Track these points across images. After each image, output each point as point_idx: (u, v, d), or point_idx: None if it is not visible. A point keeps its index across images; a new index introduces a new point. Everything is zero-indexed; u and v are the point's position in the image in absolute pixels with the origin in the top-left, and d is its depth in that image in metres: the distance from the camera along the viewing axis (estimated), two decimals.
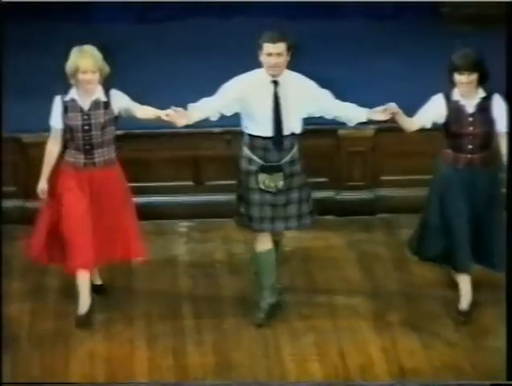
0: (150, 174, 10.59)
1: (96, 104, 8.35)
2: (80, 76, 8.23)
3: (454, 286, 9.07)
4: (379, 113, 8.48)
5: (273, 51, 8.19)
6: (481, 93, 8.39)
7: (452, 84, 8.36)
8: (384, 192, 10.71)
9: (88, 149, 8.40)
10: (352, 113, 8.56)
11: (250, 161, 8.46)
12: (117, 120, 8.46)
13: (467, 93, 8.35)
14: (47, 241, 8.68)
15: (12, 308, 9.33)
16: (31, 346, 8.85)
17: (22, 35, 12.41)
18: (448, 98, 8.39)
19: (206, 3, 12.84)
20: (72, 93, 8.36)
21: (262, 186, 8.42)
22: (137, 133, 10.42)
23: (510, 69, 8.46)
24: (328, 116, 8.61)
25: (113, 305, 9.12)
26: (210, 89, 10.55)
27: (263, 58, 8.27)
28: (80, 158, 8.41)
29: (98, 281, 9.11)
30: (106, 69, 8.37)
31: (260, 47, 8.28)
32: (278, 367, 8.50)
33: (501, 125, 8.37)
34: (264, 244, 8.68)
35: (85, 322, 8.78)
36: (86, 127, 8.33)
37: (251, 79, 8.42)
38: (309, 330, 8.87)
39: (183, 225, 10.69)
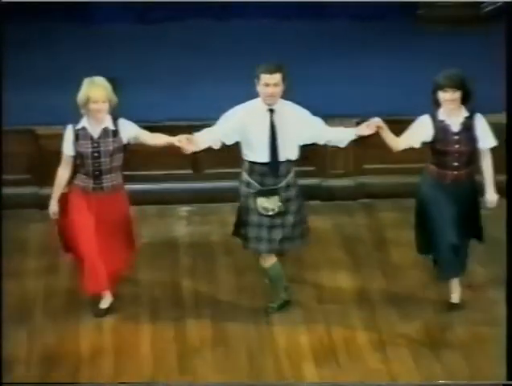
0: (153, 164, 10.57)
1: (105, 133, 8.26)
2: (91, 106, 8.14)
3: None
4: (365, 129, 8.36)
5: (270, 82, 8.11)
6: (465, 113, 8.29)
7: (437, 105, 8.25)
8: (364, 179, 10.73)
9: (97, 175, 8.32)
10: (342, 136, 8.51)
11: (249, 185, 8.36)
12: (125, 148, 8.39)
13: (451, 112, 8.25)
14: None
15: (28, 285, 9.39)
16: (45, 319, 8.87)
17: (27, 34, 12.33)
18: (434, 118, 8.27)
19: (203, 4, 12.61)
20: (83, 122, 8.27)
21: (261, 209, 8.31)
22: (141, 126, 10.35)
23: (510, 69, 8.43)
24: (321, 141, 8.50)
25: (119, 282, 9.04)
26: (211, 89, 10.68)
27: (260, 88, 8.20)
28: (90, 183, 8.34)
29: (105, 304, 8.90)
30: (115, 99, 8.30)
31: (258, 78, 8.20)
32: (269, 339, 8.54)
33: (484, 143, 8.30)
34: (268, 260, 8.61)
35: (103, 314, 8.76)
36: (96, 154, 8.24)
37: (249, 108, 8.33)
38: (297, 304, 8.90)
39: (183, 210, 10.70)
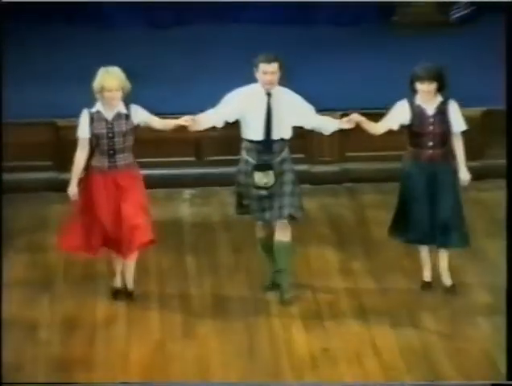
0: (161, 152, 10.66)
1: (118, 116, 8.17)
2: (106, 94, 8.08)
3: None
4: (346, 123, 8.38)
5: (268, 70, 8.09)
6: (440, 98, 8.29)
7: (415, 92, 8.26)
8: (348, 166, 10.84)
9: (112, 154, 8.21)
10: (327, 125, 8.49)
11: (247, 162, 8.31)
12: (135, 129, 8.33)
13: (427, 99, 8.24)
14: (82, 234, 8.46)
15: (49, 257, 9.51)
16: (65, 287, 9.01)
17: (48, 36, 12.48)
18: (411, 103, 8.27)
19: (206, 10, 12.66)
20: (98, 106, 8.20)
21: (257, 182, 8.26)
22: None
23: (510, 70, 8.43)
24: (308, 126, 8.46)
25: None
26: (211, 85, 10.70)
27: (259, 75, 8.16)
28: (105, 162, 8.23)
29: (129, 285, 8.73)
30: (128, 87, 8.22)
31: (256, 66, 8.16)
32: (262, 305, 8.65)
33: (456, 126, 8.31)
34: (262, 231, 8.58)
35: (118, 294, 8.68)
36: (110, 134, 8.14)
37: (249, 91, 8.28)
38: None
39: (187, 193, 10.79)
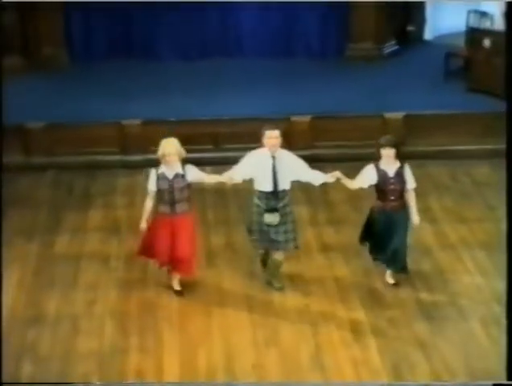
0: (192, 143, 10.12)
1: (176, 175, 7.56)
2: (166, 158, 7.51)
3: None
4: (331, 177, 7.79)
5: (272, 136, 7.54)
6: (398, 164, 7.68)
7: (379, 158, 7.68)
8: (316, 151, 10.39)
9: (172, 204, 7.61)
10: (317, 178, 7.83)
11: (258, 206, 7.70)
12: (190, 186, 7.67)
13: (389, 163, 7.66)
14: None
15: (117, 213, 9.39)
16: (128, 232, 8.83)
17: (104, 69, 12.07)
18: (377, 167, 7.69)
19: (222, 48, 12.23)
20: (162, 168, 7.56)
21: (267, 221, 7.66)
22: (184, 120, 10.38)
23: (510, 71, 7.68)
24: (304, 179, 7.83)
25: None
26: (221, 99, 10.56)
27: (265, 141, 7.56)
28: (167, 209, 7.64)
29: (177, 287, 7.97)
30: (183, 153, 7.61)
31: (263, 134, 7.58)
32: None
33: (409, 184, 7.71)
34: (276, 253, 7.89)
35: (181, 293, 7.93)
36: (170, 189, 7.57)
37: (258, 155, 7.66)
38: None
39: (208, 170, 10.05)
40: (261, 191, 7.67)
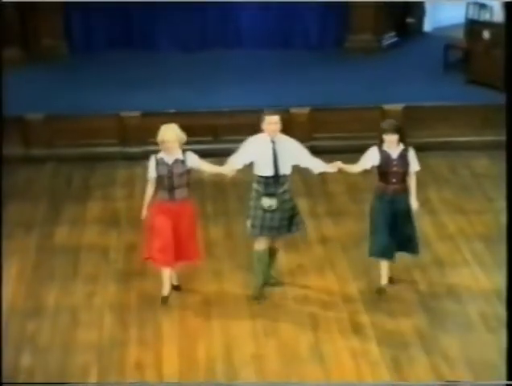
0: (193, 133, 10.12)
1: (176, 161, 7.40)
2: (166, 144, 7.36)
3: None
4: (331, 167, 7.61)
5: (271, 121, 7.36)
6: (401, 146, 7.50)
7: (382, 141, 7.50)
8: (314, 143, 10.19)
9: (171, 190, 7.45)
10: (317, 166, 7.66)
11: (257, 191, 7.54)
12: (189, 172, 7.52)
13: (391, 148, 7.50)
14: (156, 250, 7.57)
15: (116, 204, 9.36)
16: (127, 224, 8.84)
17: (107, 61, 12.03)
18: (380, 149, 7.50)
19: (222, 38, 12.22)
20: (161, 154, 7.41)
21: (264, 205, 7.49)
22: (184, 112, 10.33)
23: (510, 71, 7.51)
24: (303, 165, 7.65)
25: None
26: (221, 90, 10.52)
27: (265, 126, 7.40)
28: (166, 195, 7.48)
29: (175, 282, 7.88)
30: (183, 138, 7.47)
31: (263, 119, 7.42)
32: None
33: (412, 167, 7.54)
34: (261, 244, 7.69)
35: (166, 300, 7.71)
36: (169, 175, 7.41)
37: (258, 140, 7.50)
38: None
39: (207, 161, 10.53)
40: (261, 176, 7.52)
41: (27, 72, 11.39)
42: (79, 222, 9.05)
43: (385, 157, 7.50)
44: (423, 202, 8.59)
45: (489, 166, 10.17)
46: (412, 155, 7.56)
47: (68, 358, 7.07)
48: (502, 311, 7.40)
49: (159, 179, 7.46)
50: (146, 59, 11.97)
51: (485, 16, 11.67)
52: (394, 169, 7.51)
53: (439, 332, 7.29)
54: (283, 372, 6.88)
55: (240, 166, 7.59)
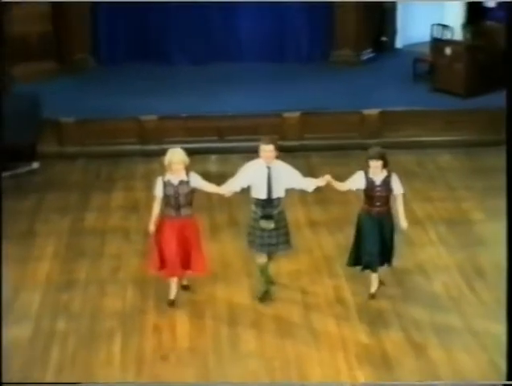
0: (200, 134, 10.31)
1: (181, 182, 6.96)
2: (173, 166, 6.90)
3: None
4: (321, 181, 7.16)
5: (266, 150, 6.95)
6: (385, 173, 7.05)
7: (367, 167, 7.04)
8: (304, 142, 10.40)
9: (177, 208, 7.00)
10: (309, 185, 7.20)
11: (255, 212, 7.11)
12: (193, 192, 7.08)
13: (376, 173, 7.03)
14: (162, 261, 7.17)
15: (136, 194, 9.30)
16: (146, 210, 8.29)
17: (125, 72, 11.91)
18: (366, 174, 7.04)
19: (226, 53, 12.04)
20: (168, 176, 6.96)
21: (262, 226, 7.08)
22: (193, 115, 10.31)
23: (510, 70, 6.80)
24: (297, 187, 7.22)
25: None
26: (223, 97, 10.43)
27: (261, 153, 6.99)
28: (173, 213, 7.02)
29: (185, 282, 7.44)
30: (187, 162, 6.99)
31: (259, 148, 7.01)
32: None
33: (396, 190, 7.07)
34: (261, 258, 7.32)
35: (173, 303, 7.25)
36: (176, 195, 6.97)
37: (255, 165, 7.06)
38: None
39: (213, 157, 10.35)
40: (257, 199, 7.09)
41: (61, 82, 11.32)
42: (105, 209, 9.00)
43: (369, 182, 7.07)
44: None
45: (451, 161, 10.13)
46: (395, 180, 7.10)
47: (96, 323, 7.05)
48: (462, 283, 7.53)
49: (167, 199, 7.01)
50: (162, 71, 11.92)
51: (447, 35, 11.66)
52: (378, 193, 7.07)
53: (409, 301, 7.27)
54: (278, 334, 6.81)
55: (238, 189, 7.18)
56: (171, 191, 6.98)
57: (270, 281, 7.41)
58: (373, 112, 10.48)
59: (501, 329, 6.76)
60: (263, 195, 7.07)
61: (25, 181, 9.58)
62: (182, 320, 7.05)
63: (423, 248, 8.13)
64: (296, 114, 10.45)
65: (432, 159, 10.20)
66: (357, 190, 7.18)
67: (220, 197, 9.11)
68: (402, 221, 7.17)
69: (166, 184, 7.00)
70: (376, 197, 7.08)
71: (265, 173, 7.02)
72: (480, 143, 10.34)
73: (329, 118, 10.42)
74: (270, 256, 7.36)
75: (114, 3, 11.64)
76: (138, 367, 6.50)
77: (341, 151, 10.18)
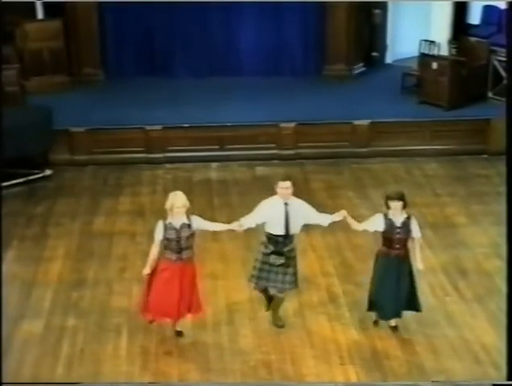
0: (201, 144, 10.31)
1: (183, 225, 6.51)
2: (175, 210, 6.46)
3: None
4: (338, 216, 6.72)
5: (284, 186, 6.58)
6: (405, 214, 6.63)
7: (388, 208, 6.63)
8: (299, 150, 10.37)
9: (179, 251, 6.52)
10: (325, 220, 6.78)
11: (266, 247, 6.71)
12: (194, 235, 6.59)
13: (396, 214, 6.61)
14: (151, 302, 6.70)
15: (141, 199, 9.31)
16: (151, 215, 8.63)
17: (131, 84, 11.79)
18: (385, 216, 6.61)
19: (225, 68, 11.97)
20: (169, 219, 6.51)
21: (271, 262, 6.72)
22: (195, 125, 10.29)
23: (510, 72, 6.59)
24: (314, 223, 6.80)
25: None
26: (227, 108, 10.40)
27: (279, 190, 6.61)
28: (174, 256, 6.54)
29: (178, 328, 6.88)
30: (188, 205, 6.53)
31: (277, 184, 6.63)
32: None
33: (415, 233, 6.66)
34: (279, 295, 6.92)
35: (181, 333, 6.88)
36: (177, 238, 6.51)
37: (272, 201, 6.66)
38: None
39: (214, 165, 10.31)
40: (271, 234, 6.68)
41: (72, 95, 11.31)
42: (112, 213, 9.02)
43: (389, 224, 6.61)
44: (384, 198, 8.48)
45: (437, 168, 10.16)
46: (414, 223, 6.67)
47: (104, 319, 7.08)
48: (446, 282, 7.57)
49: (168, 242, 6.54)
50: (166, 84, 11.91)
51: (434, 51, 11.67)
52: (398, 235, 6.60)
53: None
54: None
55: (253, 226, 6.70)
56: (172, 235, 6.51)
57: (278, 319, 7.02)
58: (363, 123, 10.52)
59: (481, 324, 6.92)
60: (280, 231, 6.65)
61: (38, 187, 9.61)
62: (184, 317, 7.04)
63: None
64: (292, 125, 10.48)
65: (419, 167, 10.23)
66: (376, 231, 6.70)
67: (221, 197, 9.31)
68: (418, 263, 6.75)
69: (167, 227, 6.52)
70: (395, 239, 6.62)
71: (282, 209, 6.63)
72: (463, 152, 10.41)
73: (322, 128, 10.44)
74: (278, 293, 6.95)
75: (122, 21, 11.73)
76: (144, 360, 6.53)
77: (334, 159, 10.23)
